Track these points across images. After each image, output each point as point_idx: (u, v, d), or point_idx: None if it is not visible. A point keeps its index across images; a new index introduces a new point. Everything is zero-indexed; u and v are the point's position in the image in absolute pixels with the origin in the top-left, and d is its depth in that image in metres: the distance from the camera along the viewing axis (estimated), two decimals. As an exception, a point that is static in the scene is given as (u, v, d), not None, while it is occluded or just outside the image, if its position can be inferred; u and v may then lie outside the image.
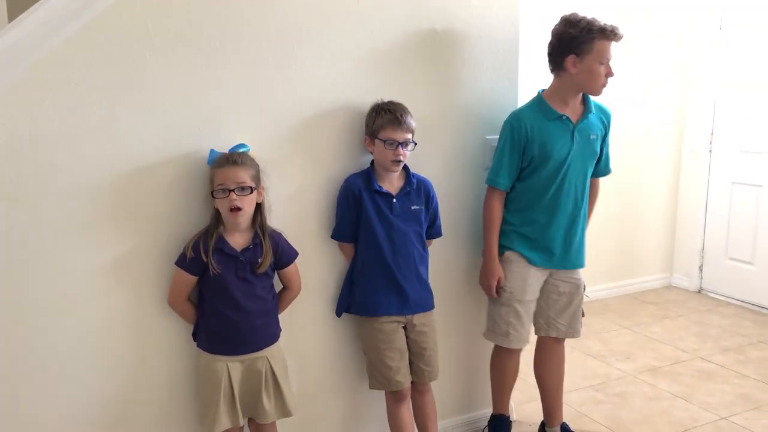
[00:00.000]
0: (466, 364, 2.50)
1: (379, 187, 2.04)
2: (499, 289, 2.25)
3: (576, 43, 2.07)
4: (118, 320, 1.85)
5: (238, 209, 1.78)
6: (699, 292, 4.29)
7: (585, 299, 3.92)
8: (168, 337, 1.92)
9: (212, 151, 1.84)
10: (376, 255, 2.05)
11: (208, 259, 1.81)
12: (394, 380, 2.08)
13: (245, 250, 1.86)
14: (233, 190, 1.78)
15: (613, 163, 3.95)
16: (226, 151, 1.84)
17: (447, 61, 2.26)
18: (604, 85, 2.12)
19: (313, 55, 2.00)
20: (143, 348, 1.90)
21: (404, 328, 2.11)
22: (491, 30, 2.29)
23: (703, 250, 4.25)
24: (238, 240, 1.86)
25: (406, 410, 2.15)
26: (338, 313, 2.15)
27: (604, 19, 2.10)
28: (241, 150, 1.85)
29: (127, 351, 1.88)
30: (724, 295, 4.14)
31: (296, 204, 2.05)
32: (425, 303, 2.14)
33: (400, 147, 1.98)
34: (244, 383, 1.89)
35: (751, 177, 3.92)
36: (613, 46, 2.10)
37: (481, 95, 2.34)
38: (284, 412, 1.93)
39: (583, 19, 2.08)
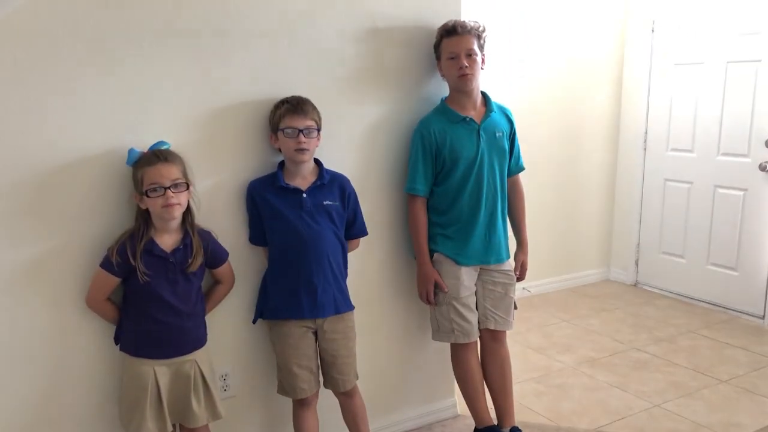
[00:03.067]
0: (396, 363, 2.50)
1: (286, 183, 2.00)
2: (436, 290, 2.31)
3: (435, 49, 2.29)
4: (35, 322, 1.79)
5: (175, 204, 1.74)
6: (635, 285, 4.46)
7: (527, 294, 4.06)
8: (89, 339, 1.87)
9: (132, 150, 1.77)
10: (285, 255, 2.01)
11: (136, 263, 1.75)
12: (298, 388, 2.04)
13: (175, 250, 1.81)
14: (168, 188, 1.73)
15: (553, 162, 4.13)
16: (145, 150, 1.78)
17: (387, 58, 2.26)
18: (462, 78, 2.19)
19: (242, 52, 1.98)
20: (63, 351, 1.84)
21: (315, 333, 2.07)
22: (433, 26, 2.29)
23: (638, 244, 4.42)
24: (167, 241, 1.81)
25: (310, 416, 2.10)
26: (254, 320, 2.11)
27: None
28: (164, 147, 1.80)
29: (46, 354, 1.82)
30: (658, 288, 4.31)
31: (217, 202, 2.00)
32: (338, 305, 2.07)
33: (301, 134, 1.94)
34: (172, 388, 1.84)
35: (682, 174, 4.10)
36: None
37: (422, 92, 2.35)
38: (214, 414, 1.90)
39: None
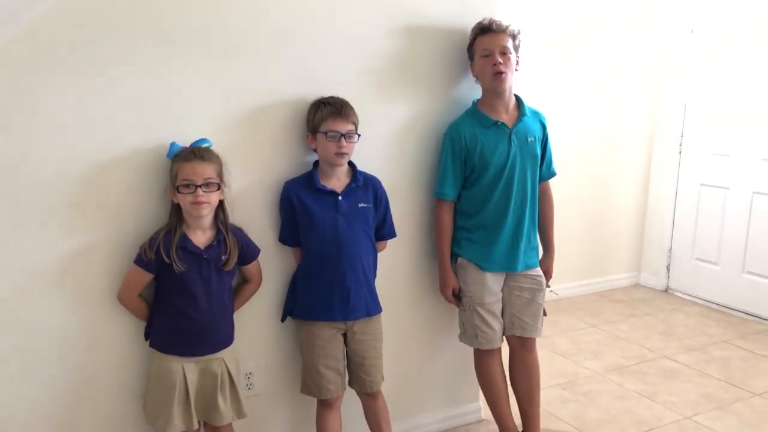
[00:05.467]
0: (421, 366, 2.48)
1: (323, 186, 1.98)
2: (460, 295, 2.29)
3: (468, 49, 2.23)
4: (66, 318, 1.81)
5: (203, 202, 1.74)
6: (666, 291, 4.36)
7: (554, 297, 4.00)
8: (119, 334, 1.88)
9: (174, 144, 1.79)
10: (319, 257, 2.00)
11: (171, 259, 1.76)
12: (324, 388, 2.03)
13: (209, 247, 1.83)
14: (200, 186, 1.74)
15: (585, 164, 4.05)
16: (188, 145, 1.80)
17: (421, 59, 2.24)
18: (496, 77, 2.13)
19: (274, 52, 1.97)
20: (92, 346, 1.86)
21: (344, 335, 2.06)
22: (465, 27, 2.25)
23: (670, 249, 4.32)
24: (200, 238, 1.83)
25: (334, 417, 2.09)
26: (282, 318, 2.11)
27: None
28: (205, 145, 1.81)
29: (76, 349, 1.83)
30: (690, 295, 4.21)
31: (247, 201, 2.00)
32: (369, 308, 2.06)
33: (342, 139, 1.93)
34: (200, 385, 1.85)
35: (718, 179, 3.99)
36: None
37: (454, 95, 2.32)
38: (239, 413, 1.91)
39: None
